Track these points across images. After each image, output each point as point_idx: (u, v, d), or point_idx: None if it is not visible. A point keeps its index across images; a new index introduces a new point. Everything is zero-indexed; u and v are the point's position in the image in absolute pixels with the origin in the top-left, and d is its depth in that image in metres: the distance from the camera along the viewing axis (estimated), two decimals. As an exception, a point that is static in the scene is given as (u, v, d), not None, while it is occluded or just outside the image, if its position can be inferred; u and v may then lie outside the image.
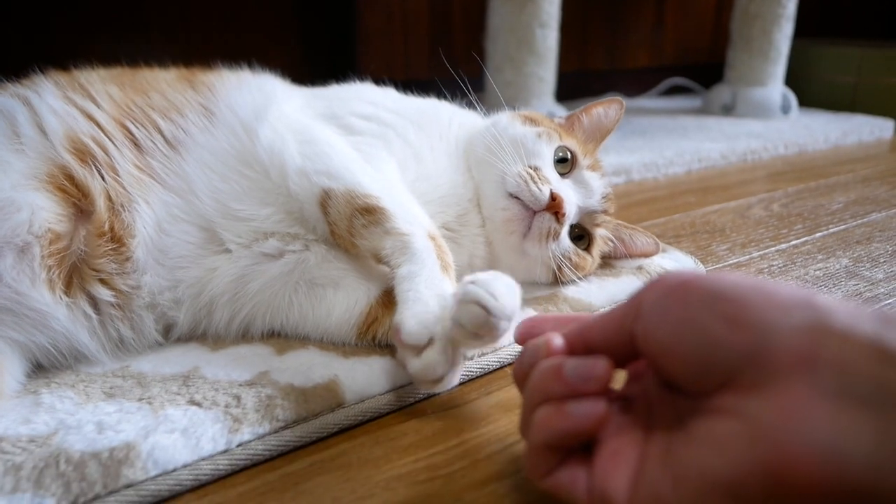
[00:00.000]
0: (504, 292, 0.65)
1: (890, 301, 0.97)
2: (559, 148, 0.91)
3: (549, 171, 0.89)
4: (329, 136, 0.85)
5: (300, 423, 0.66)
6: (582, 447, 0.51)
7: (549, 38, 1.84)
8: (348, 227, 0.77)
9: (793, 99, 2.46)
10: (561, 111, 1.90)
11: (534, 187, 0.84)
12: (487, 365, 0.78)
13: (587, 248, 0.92)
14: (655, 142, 1.98)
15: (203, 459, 0.61)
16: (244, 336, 0.81)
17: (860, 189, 1.60)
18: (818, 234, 1.26)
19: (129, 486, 0.57)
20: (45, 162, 0.74)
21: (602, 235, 0.94)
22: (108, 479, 0.57)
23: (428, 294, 0.70)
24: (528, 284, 0.92)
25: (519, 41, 1.82)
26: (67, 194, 0.74)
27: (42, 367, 0.73)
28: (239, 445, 0.63)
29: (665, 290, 0.47)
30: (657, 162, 1.74)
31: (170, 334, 0.80)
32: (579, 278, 0.92)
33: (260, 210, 0.80)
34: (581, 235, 0.92)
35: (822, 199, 1.51)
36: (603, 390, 0.51)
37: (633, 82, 2.87)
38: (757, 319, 0.42)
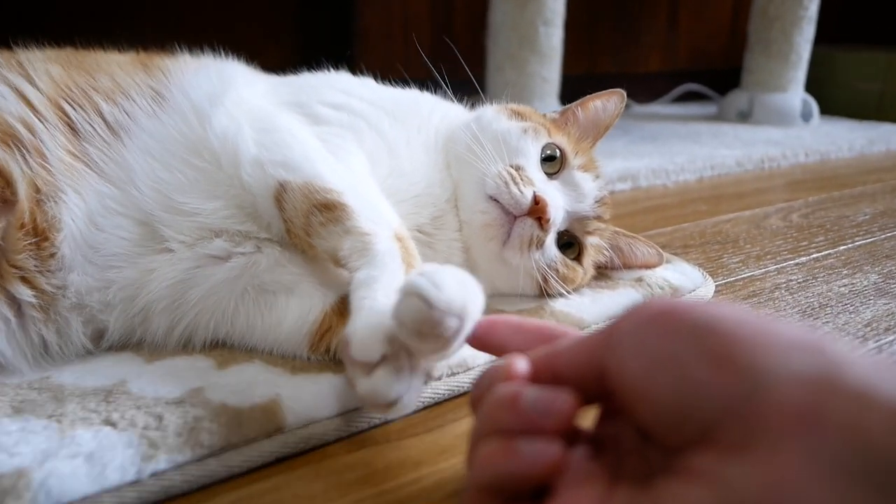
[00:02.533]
0: (452, 283, 0.52)
1: (923, 322, 0.86)
2: (547, 145, 0.81)
3: (534, 171, 0.79)
4: (291, 124, 0.76)
5: (228, 450, 0.57)
6: (532, 494, 0.41)
7: (553, 37, 1.74)
8: (305, 224, 0.67)
9: (814, 106, 2.35)
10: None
11: (514, 189, 0.75)
12: (458, 386, 0.68)
13: (577, 258, 0.82)
14: (666, 147, 1.88)
15: (106, 491, 0.52)
16: (185, 346, 0.72)
17: (889, 200, 1.49)
18: (842, 247, 1.15)
19: (9, 524, 0.48)
20: None
21: (594, 244, 0.83)
22: (-15, 515, 0.48)
23: (386, 303, 0.60)
24: (512, 297, 0.83)
25: (521, 39, 1.73)
26: None
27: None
28: (152, 475, 0.54)
29: (644, 319, 0.39)
30: (666, 168, 1.64)
31: (101, 342, 0.71)
32: (568, 292, 0.81)
33: (207, 203, 0.71)
34: (570, 243, 0.82)
35: (846, 210, 1.40)
36: (563, 429, 0.41)
37: (645, 87, 2.76)
38: (749, 361, 0.33)
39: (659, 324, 0.38)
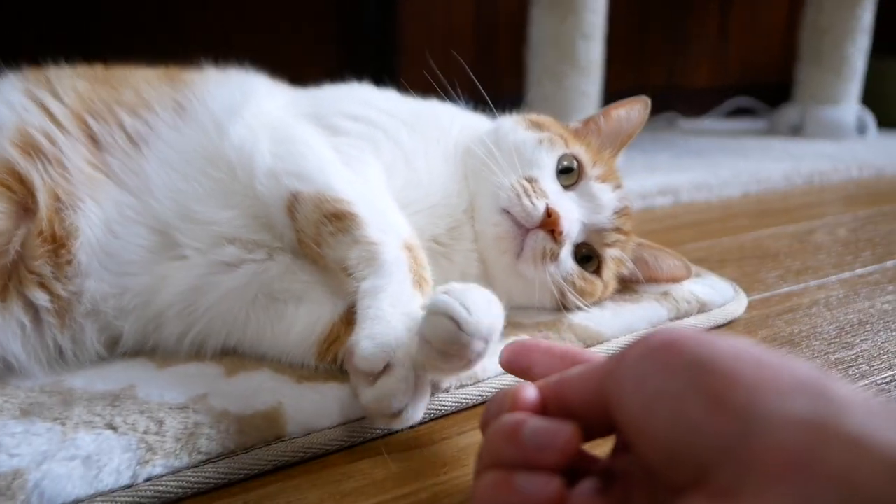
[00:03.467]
0: (481, 306, 0.54)
1: (974, 342, 0.80)
2: (563, 156, 0.79)
3: (549, 182, 0.77)
4: (308, 135, 0.76)
5: (226, 456, 0.57)
6: None
7: (592, 51, 1.72)
8: (315, 234, 0.67)
9: (870, 119, 2.25)
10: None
11: (526, 201, 0.73)
12: (466, 399, 0.67)
13: (597, 271, 0.80)
14: (710, 162, 1.83)
15: (100, 494, 0.52)
16: (197, 353, 0.72)
17: (945, 216, 1.41)
18: (889, 263, 1.09)
19: (0, 523, 0.48)
20: None
21: (615, 257, 0.80)
22: (-22, 514, 0.48)
23: (391, 312, 0.59)
24: (530, 309, 0.81)
25: (560, 53, 1.71)
26: (10, 190, 0.67)
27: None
28: (147, 480, 0.54)
29: (646, 351, 0.37)
30: (710, 182, 1.59)
31: (115, 348, 0.72)
32: (587, 306, 0.79)
33: (222, 213, 0.71)
34: (589, 256, 0.79)
35: (898, 225, 1.32)
36: (564, 463, 0.40)
37: (694, 102, 2.70)
38: (745, 402, 0.31)
39: (659, 357, 0.36)
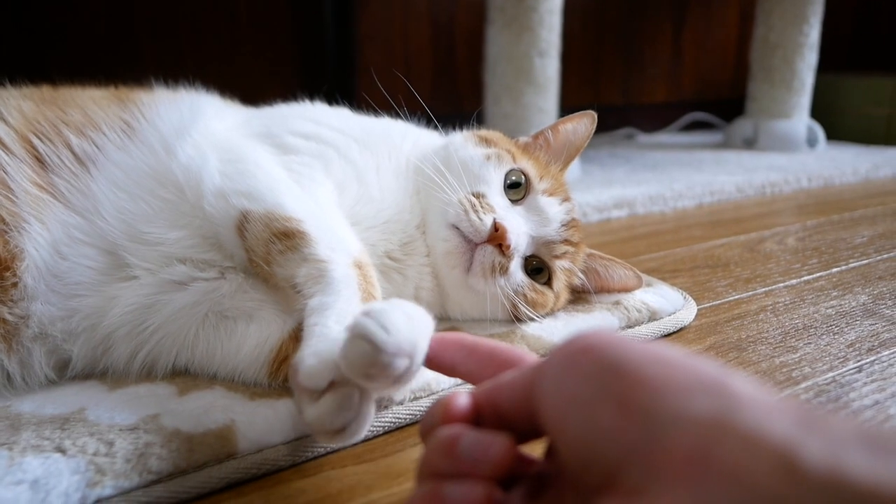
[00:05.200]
0: (401, 324, 0.51)
1: (912, 343, 0.83)
2: (511, 172, 0.81)
3: (497, 197, 0.79)
4: (257, 155, 0.77)
5: (177, 476, 0.56)
6: None
7: (548, 68, 1.75)
8: (265, 253, 0.67)
9: (820, 132, 2.32)
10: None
11: (473, 217, 0.75)
12: (420, 410, 0.67)
13: (547, 283, 0.81)
14: (665, 175, 1.87)
15: (47, 520, 0.51)
16: (148, 374, 0.72)
17: (889, 222, 1.46)
18: (835, 270, 1.13)
19: (-58, 550, 0.48)
20: None
21: (564, 268, 0.82)
22: (-81, 542, 0.47)
23: (338, 330, 0.59)
24: (484, 321, 0.82)
25: (517, 71, 1.74)
26: None
27: None
28: (97, 501, 0.53)
29: (564, 357, 0.38)
30: (664, 194, 1.62)
31: (65, 372, 0.71)
32: (538, 316, 0.81)
33: (170, 233, 0.71)
34: (540, 268, 0.81)
35: (844, 233, 1.37)
36: (499, 474, 0.41)
37: (651, 117, 2.77)
38: (648, 404, 0.32)
39: (575, 363, 0.37)
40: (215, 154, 0.74)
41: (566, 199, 0.83)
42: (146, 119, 0.77)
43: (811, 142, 2.30)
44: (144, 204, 0.72)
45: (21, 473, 0.54)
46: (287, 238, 0.66)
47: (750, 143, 2.35)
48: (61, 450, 0.57)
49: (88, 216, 0.71)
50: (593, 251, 0.88)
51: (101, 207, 0.71)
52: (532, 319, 0.80)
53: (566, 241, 0.81)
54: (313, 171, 0.77)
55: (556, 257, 0.81)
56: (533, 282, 0.79)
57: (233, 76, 1.98)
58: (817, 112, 2.41)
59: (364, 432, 0.58)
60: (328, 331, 0.58)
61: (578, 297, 0.89)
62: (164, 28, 1.91)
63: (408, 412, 0.67)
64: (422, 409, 0.67)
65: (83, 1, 1.80)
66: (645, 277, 0.99)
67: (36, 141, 0.72)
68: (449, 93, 2.32)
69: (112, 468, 0.55)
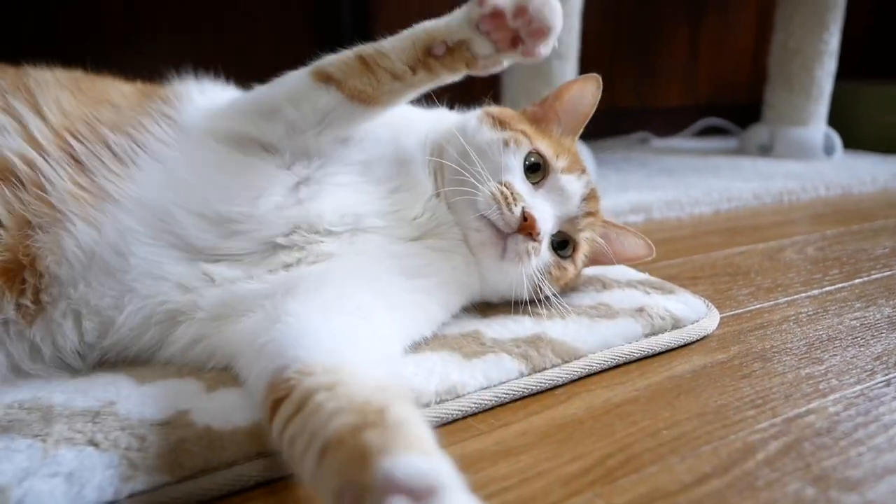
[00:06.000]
0: None
1: (936, 357, 0.83)
2: (529, 153, 0.83)
3: (520, 183, 0.81)
4: None
5: (209, 472, 0.57)
6: None
7: (566, 70, 1.75)
8: (359, 61, 0.75)
9: (837, 140, 2.31)
10: (584, 149, 1.80)
11: (505, 210, 0.78)
12: (446, 413, 0.68)
13: (571, 256, 0.86)
14: (682, 180, 1.87)
15: (82, 512, 0.52)
16: (179, 368, 0.72)
17: (909, 234, 1.46)
18: (857, 281, 1.12)
19: (-19, 541, 0.48)
20: None
21: (587, 238, 0.87)
22: (-41, 532, 0.48)
23: None
24: (510, 324, 0.83)
25: (535, 72, 1.74)
26: None
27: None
28: (129, 496, 0.54)
29: None
30: (681, 200, 1.62)
31: (104, 337, 0.71)
32: (555, 294, 0.85)
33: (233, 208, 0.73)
34: (565, 241, 0.86)
35: (864, 244, 1.36)
36: None
37: (666, 122, 2.76)
38: None
39: None
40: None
41: (583, 172, 0.86)
42: (181, 103, 0.79)
43: (828, 150, 2.29)
44: (212, 183, 0.73)
45: (56, 466, 0.55)
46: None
47: (766, 150, 2.34)
48: (94, 443, 0.58)
49: (142, 213, 0.71)
50: (608, 220, 0.92)
51: (155, 200, 0.71)
52: (548, 297, 0.84)
53: (587, 214, 0.85)
54: None
55: (580, 230, 0.85)
56: (558, 258, 0.84)
57: (251, 71, 1.98)
58: (834, 119, 2.40)
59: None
60: None
61: (596, 262, 0.93)
62: (180, 4, 1.91)
63: (434, 415, 0.67)
64: (447, 412, 0.68)
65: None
66: (667, 284, 0.99)
67: (73, 141, 0.72)
68: (466, 87, 2.32)
69: (144, 463, 0.56)
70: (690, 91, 2.82)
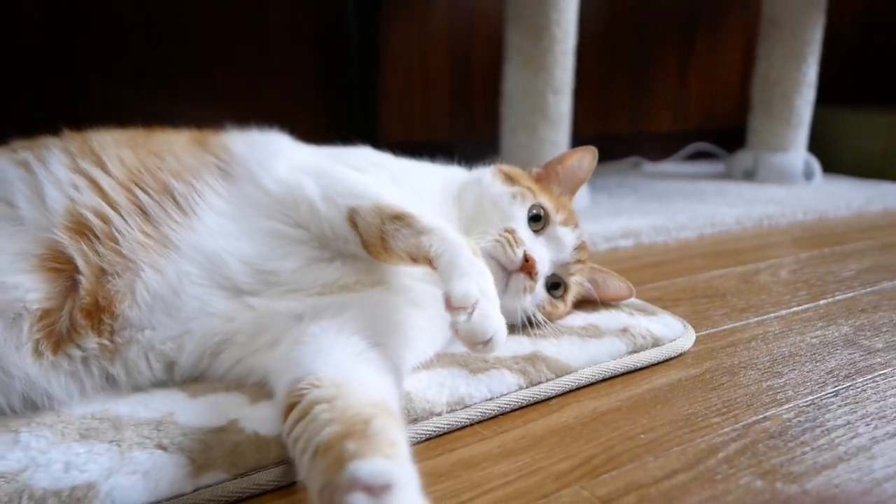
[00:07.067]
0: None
1: (885, 371, 0.94)
2: (533, 206, 0.97)
3: (523, 231, 0.94)
4: (341, 169, 0.92)
5: (260, 470, 0.68)
6: None
7: (562, 104, 1.88)
8: (379, 234, 0.82)
9: (816, 165, 2.44)
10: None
11: (509, 251, 0.90)
12: (456, 421, 0.79)
13: (562, 296, 1.00)
14: (670, 206, 1.99)
15: (161, 501, 0.63)
16: (228, 384, 0.83)
17: (876, 257, 1.58)
18: (822, 302, 1.24)
19: (82, 524, 0.59)
20: (40, 242, 0.76)
21: (576, 282, 1.01)
22: (64, 517, 0.59)
23: (469, 270, 0.73)
24: (509, 337, 0.94)
25: (532, 106, 1.87)
26: (59, 272, 0.76)
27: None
28: (197, 490, 0.65)
29: None
30: (668, 226, 1.74)
31: (171, 375, 0.83)
32: (546, 322, 0.97)
33: (284, 264, 0.85)
34: (557, 283, 0.99)
35: (833, 266, 1.48)
36: None
37: (657, 146, 2.89)
38: None
39: None
40: (305, 175, 0.89)
41: (576, 227, 1.01)
42: (234, 160, 0.90)
43: (808, 175, 2.42)
44: (251, 239, 0.84)
45: (133, 465, 0.66)
46: (399, 219, 0.81)
47: (750, 175, 2.47)
48: (162, 447, 0.69)
49: (197, 257, 0.81)
50: (594, 265, 1.06)
51: (209, 246, 0.82)
52: (541, 326, 0.96)
53: (577, 261, 0.99)
54: (389, 183, 0.92)
55: (571, 274, 0.99)
56: (551, 297, 0.98)
57: (258, 107, 2.11)
58: (815, 144, 2.53)
59: (503, 346, 0.71)
60: (463, 271, 0.73)
61: (585, 305, 1.07)
62: (194, 48, 2.03)
63: (446, 423, 0.78)
64: (457, 419, 0.79)
65: (122, 31, 1.93)
66: (649, 307, 1.11)
67: (139, 192, 0.82)
68: (465, 120, 2.46)
69: (207, 463, 0.67)
70: (680, 117, 2.96)
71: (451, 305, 0.70)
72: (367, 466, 0.52)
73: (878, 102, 2.99)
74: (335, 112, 2.26)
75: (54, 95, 1.85)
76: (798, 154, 2.44)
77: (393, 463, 0.54)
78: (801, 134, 2.44)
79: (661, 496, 0.67)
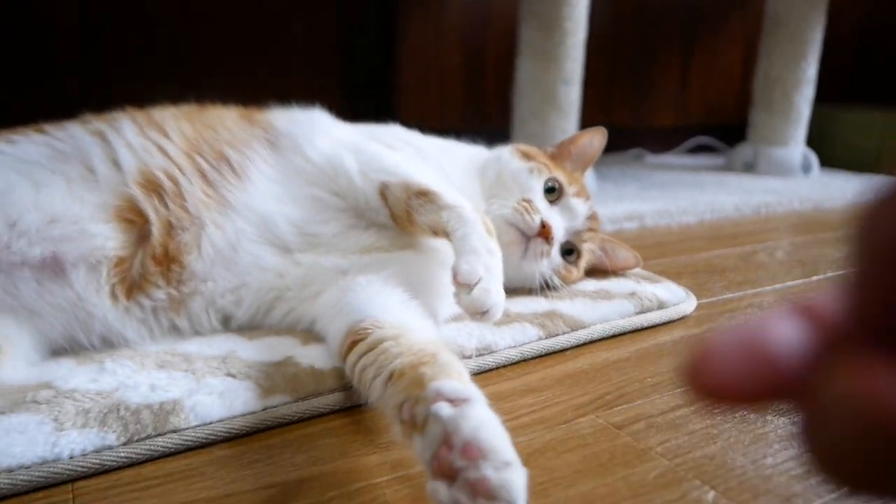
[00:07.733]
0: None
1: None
2: (548, 179, 1.07)
3: (540, 201, 1.05)
4: (377, 148, 1.01)
5: (317, 395, 0.78)
6: None
7: (571, 94, 1.98)
8: (406, 209, 0.91)
9: (814, 159, 2.55)
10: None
11: (528, 218, 1.00)
12: (484, 364, 0.89)
13: (576, 261, 1.09)
14: (672, 193, 2.09)
15: (235, 417, 0.73)
16: (290, 329, 0.93)
17: (866, 242, 1.67)
18: (814, 278, 1.34)
19: (174, 431, 0.69)
20: (117, 195, 0.87)
21: (588, 249, 1.11)
22: (158, 424, 0.69)
23: (480, 247, 0.82)
24: (527, 296, 1.04)
25: (543, 97, 1.96)
26: (133, 223, 0.87)
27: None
28: (265, 409, 0.75)
29: None
30: (670, 210, 1.84)
31: (228, 324, 0.93)
32: (562, 285, 1.07)
33: (324, 228, 0.94)
34: (571, 250, 1.09)
35: (826, 249, 1.59)
36: None
37: (659, 140, 2.99)
38: None
39: None
40: (345, 150, 0.98)
41: (588, 199, 1.10)
42: (280, 134, 1.00)
43: (806, 168, 2.52)
44: (296, 204, 0.94)
45: (209, 388, 0.76)
46: (423, 195, 0.90)
47: (750, 168, 2.57)
48: (231, 375, 0.79)
49: (251, 216, 0.91)
50: (605, 236, 1.16)
51: (261, 207, 0.92)
52: (556, 289, 1.06)
53: (589, 229, 1.09)
54: (418, 161, 1.02)
55: (583, 241, 1.09)
56: (565, 262, 1.07)
57: (278, 95, 2.20)
58: (813, 140, 2.64)
59: (500, 313, 0.79)
60: (473, 248, 0.81)
61: (597, 273, 1.17)
62: (214, 42, 2.14)
63: (475, 364, 0.88)
64: (485, 363, 0.89)
65: (154, 28, 2.03)
66: (654, 276, 1.21)
67: (198, 157, 0.93)
68: (478, 111, 2.56)
69: (274, 387, 0.77)
70: (682, 112, 3.06)
71: (456, 280, 0.78)
72: (448, 384, 0.61)
73: (874, 101, 3.10)
74: (355, 104, 2.36)
75: (84, 95, 1.95)
76: (797, 148, 2.54)
77: (467, 385, 0.63)
78: (800, 129, 2.54)
79: (666, 424, 0.77)
